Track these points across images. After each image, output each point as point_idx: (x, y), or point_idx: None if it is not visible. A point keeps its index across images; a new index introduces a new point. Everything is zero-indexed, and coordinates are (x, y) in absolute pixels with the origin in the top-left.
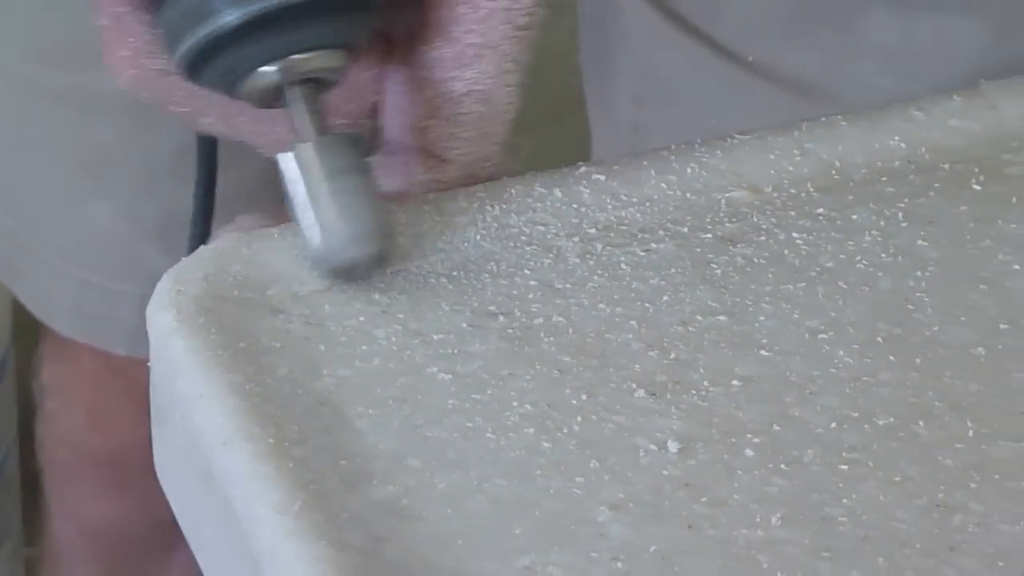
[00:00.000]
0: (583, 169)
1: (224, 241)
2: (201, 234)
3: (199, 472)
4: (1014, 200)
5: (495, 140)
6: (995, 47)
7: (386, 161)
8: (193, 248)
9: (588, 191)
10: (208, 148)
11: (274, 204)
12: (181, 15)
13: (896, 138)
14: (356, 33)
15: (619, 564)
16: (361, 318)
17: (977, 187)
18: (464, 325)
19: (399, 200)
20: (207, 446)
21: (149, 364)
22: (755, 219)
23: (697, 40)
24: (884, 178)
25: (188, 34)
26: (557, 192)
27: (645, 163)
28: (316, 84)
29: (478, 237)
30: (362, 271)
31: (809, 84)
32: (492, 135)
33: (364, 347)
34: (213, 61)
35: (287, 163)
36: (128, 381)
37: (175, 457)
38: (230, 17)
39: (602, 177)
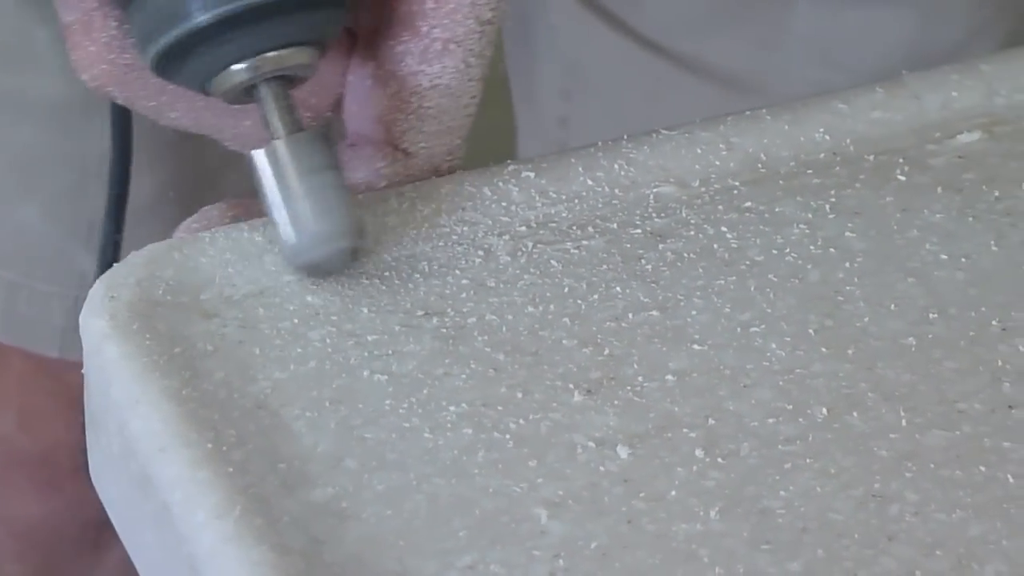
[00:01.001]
0: (512, 167)
1: (155, 247)
2: (113, 232)
3: (136, 478)
4: (939, 190)
5: (458, 134)
6: (921, 37)
7: (349, 154)
8: (107, 248)
9: (517, 189)
10: (122, 144)
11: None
12: (153, 13)
13: (821, 130)
14: (327, 30)
15: (560, 561)
16: (295, 320)
17: (902, 177)
18: (397, 326)
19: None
20: (144, 453)
21: (83, 371)
22: (683, 214)
23: (622, 33)
24: (810, 171)
25: (160, 33)
26: (486, 191)
27: (573, 160)
28: (286, 80)
29: (410, 238)
30: (335, 266)
31: (735, 76)
32: (456, 129)
33: (299, 349)
34: (184, 59)
35: (260, 160)
36: (59, 383)
37: (111, 464)
38: (202, 16)
39: (531, 174)
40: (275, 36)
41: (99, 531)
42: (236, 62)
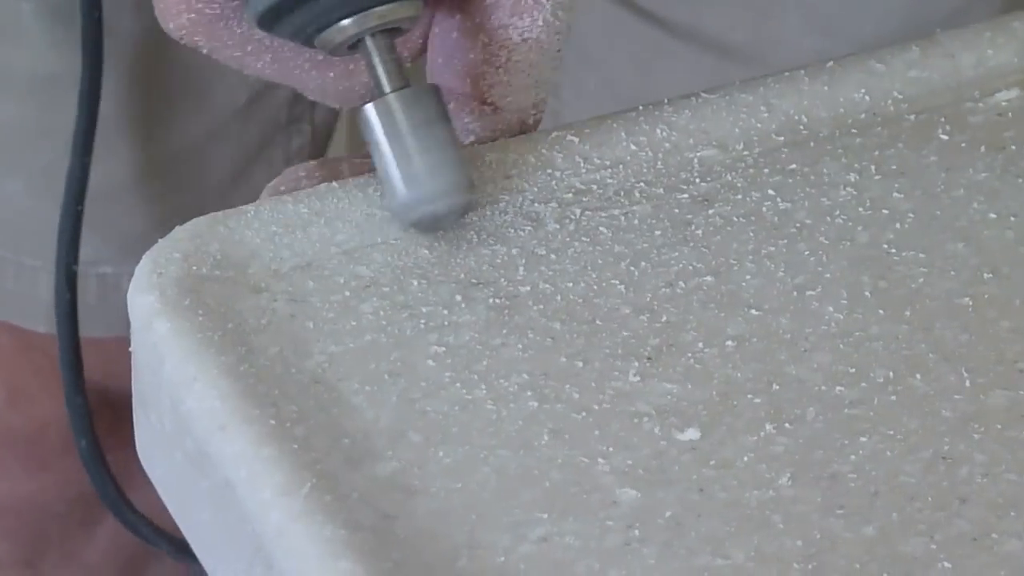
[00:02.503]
0: (555, 133)
1: (199, 221)
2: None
3: (192, 456)
4: (982, 149)
5: (545, 87)
6: (919, 3)
7: None
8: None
9: (561, 155)
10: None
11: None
12: None
13: (861, 91)
14: None
15: (635, 531)
16: (346, 293)
17: (943, 137)
18: (451, 296)
19: None
20: (202, 430)
21: (130, 349)
22: (728, 177)
23: (617, 2)
24: (851, 131)
25: None
26: (531, 158)
27: (615, 125)
28: (392, 33)
29: None
30: (446, 222)
31: (732, 45)
32: (543, 82)
33: (353, 322)
34: (293, 14)
35: (371, 114)
36: (47, 358)
37: (162, 442)
38: None
39: (575, 140)
40: None
41: (88, 508)
42: (345, 17)
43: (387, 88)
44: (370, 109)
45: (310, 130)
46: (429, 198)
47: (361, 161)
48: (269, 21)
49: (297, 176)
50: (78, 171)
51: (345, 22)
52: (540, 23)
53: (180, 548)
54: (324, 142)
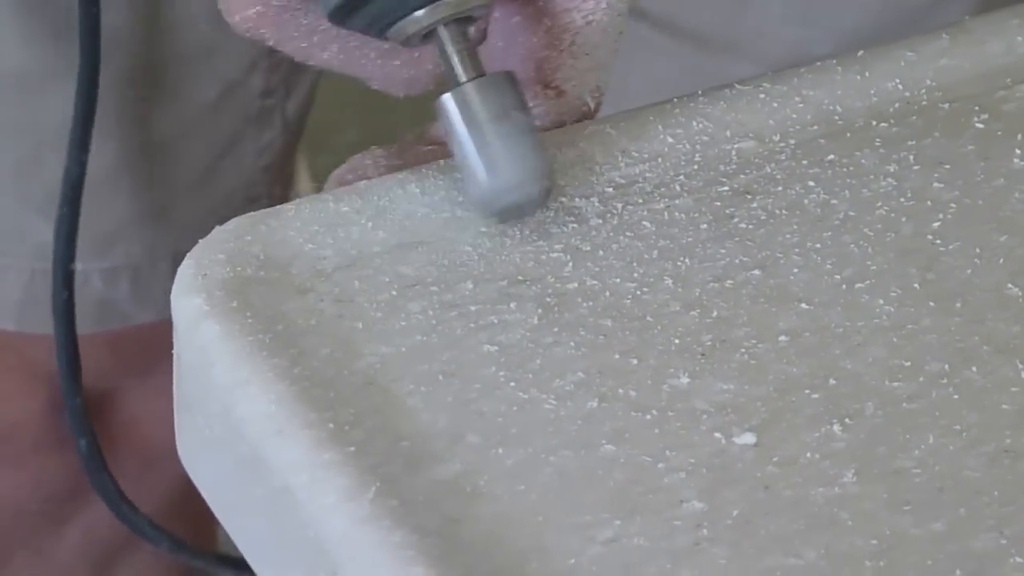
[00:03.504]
0: (591, 127)
1: (240, 220)
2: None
3: (244, 461)
4: (1019, 137)
5: (607, 69)
6: None
7: None
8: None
9: (599, 150)
10: (85, 115)
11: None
12: None
13: (895, 80)
14: None
15: (704, 531)
16: (392, 292)
17: (979, 125)
18: (498, 294)
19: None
20: (256, 435)
21: (174, 352)
22: (767, 169)
23: None
24: (886, 122)
25: None
26: (569, 153)
27: (651, 118)
28: (465, 22)
29: None
30: (527, 210)
31: (710, 36)
32: (605, 64)
33: (402, 322)
34: (367, 7)
35: (449, 105)
36: (17, 357)
37: (210, 447)
38: None
39: (612, 133)
40: None
41: (60, 506)
42: (419, 7)
43: (463, 77)
44: (448, 99)
45: (281, 124)
46: (512, 186)
47: (429, 149)
48: (342, 14)
49: (364, 164)
50: (76, 169)
51: (419, 13)
52: (604, 5)
53: (178, 545)
54: (295, 136)
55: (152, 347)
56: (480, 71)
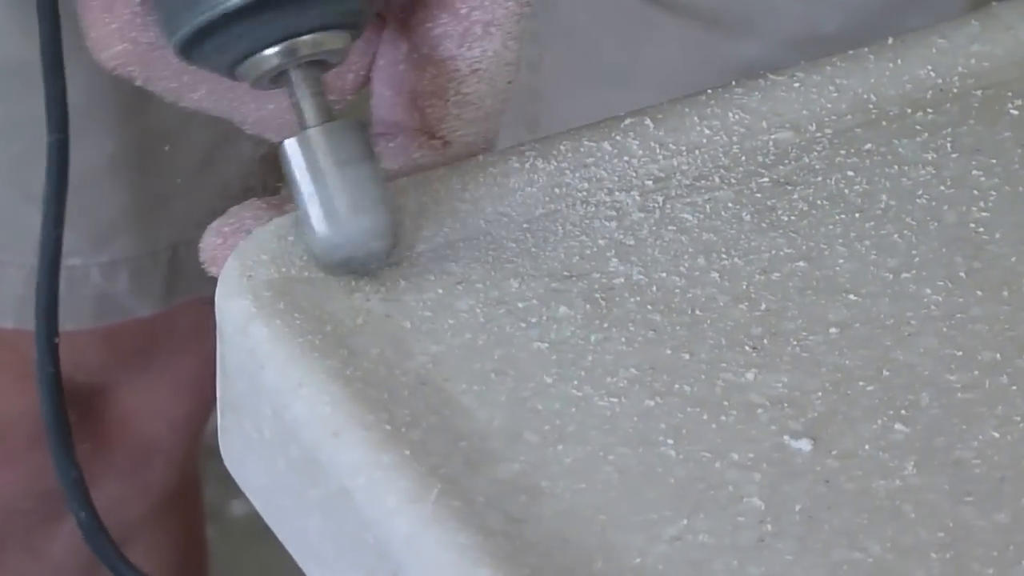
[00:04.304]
0: (628, 120)
1: (280, 221)
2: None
3: (297, 464)
4: None
5: (495, 120)
6: None
7: (380, 144)
8: (48, 233)
9: (637, 142)
10: (60, 118)
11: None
12: None
13: (927, 67)
14: (363, 12)
15: (768, 527)
16: (439, 290)
17: (1014, 112)
18: (545, 291)
19: (448, 165)
20: (311, 437)
21: (219, 355)
22: (806, 160)
23: None
24: (921, 110)
25: (188, 14)
26: (606, 145)
27: (686, 109)
28: (318, 66)
29: (536, 199)
30: (368, 264)
31: (720, 16)
32: (493, 115)
33: (451, 320)
34: (213, 43)
35: (292, 149)
36: (13, 353)
37: (260, 450)
38: None
39: (649, 126)
40: (310, 19)
41: (53, 503)
42: (268, 46)
43: (310, 122)
44: (291, 144)
45: None
46: (348, 240)
47: None
48: (189, 50)
49: (242, 216)
50: (50, 245)
51: (269, 52)
52: (490, 54)
53: None
54: None
55: (149, 341)
56: (329, 117)
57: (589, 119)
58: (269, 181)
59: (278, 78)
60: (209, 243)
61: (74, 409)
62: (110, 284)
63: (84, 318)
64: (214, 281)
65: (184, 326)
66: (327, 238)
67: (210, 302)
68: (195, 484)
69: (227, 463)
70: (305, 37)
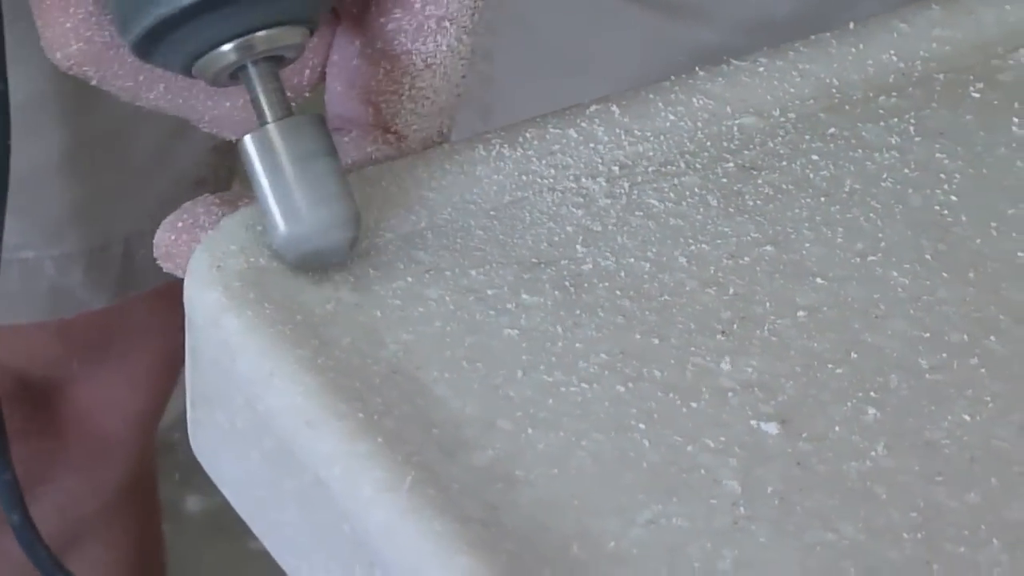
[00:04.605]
0: (593, 107)
1: (248, 211)
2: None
3: (271, 455)
4: (1016, 105)
5: (449, 113)
6: None
7: (333, 137)
8: None
9: (602, 129)
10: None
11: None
12: None
13: (890, 52)
14: (318, 7)
15: (741, 509)
16: (408, 279)
17: (976, 95)
18: (514, 278)
19: (409, 155)
20: (285, 428)
21: (188, 347)
22: (770, 144)
23: None
24: (884, 94)
25: (142, 12)
26: (572, 132)
27: (651, 96)
28: (275, 62)
29: (503, 186)
30: (330, 259)
31: (674, 1)
32: (447, 108)
33: (421, 309)
34: (169, 40)
35: (249, 146)
36: None
37: (231, 441)
38: None
39: (615, 112)
40: (266, 14)
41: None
42: (224, 43)
43: (268, 118)
44: (249, 140)
45: None
46: (310, 234)
47: None
48: (145, 48)
49: (195, 212)
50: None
51: (226, 47)
52: (444, 48)
53: None
54: None
55: (103, 335)
56: (288, 112)
57: (544, 107)
58: (221, 172)
59: (235, 74)
60: (162, 238)
61: (29, 404)
62: (64, 277)
63: (39, 312)
64: (168, 274)
65: (138, 320)
66: (288, 234)
67: (163, 296)
68: (151, 479)
69: (199, 456)
70: (261, 33)
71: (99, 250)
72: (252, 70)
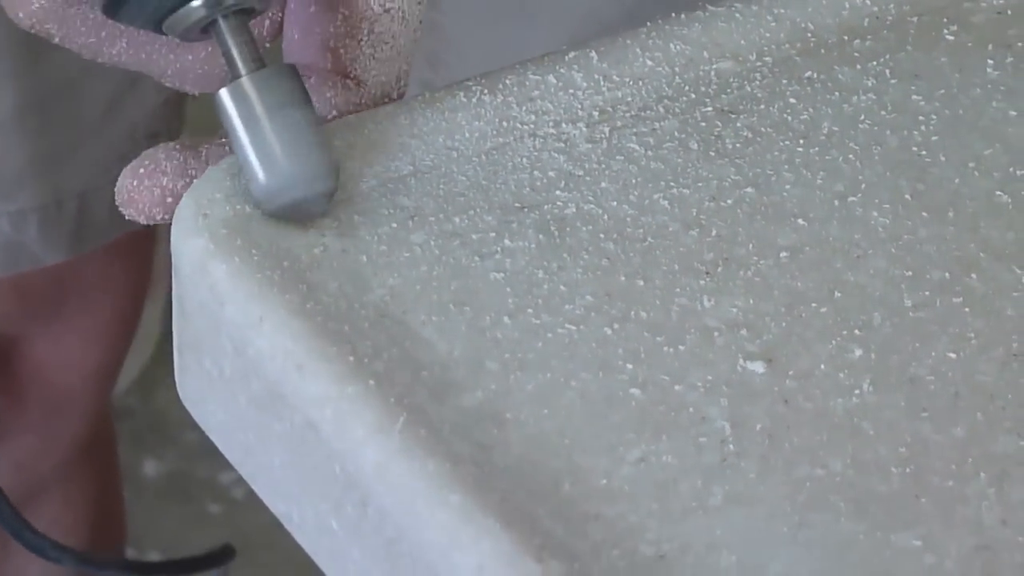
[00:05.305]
0: (572, 53)
1: (232, 159)
2: None
3: (259, 399)
4: (989, 47)
5: (407, 59)
6: None
7: None
8: None
9: (581, 75)
10: None
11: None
12: None
13: None
14: None
15: (730, 446)
16: (393, 224)
17: (950, 37)
18: (498, 222)
19: (394, 105)
20: (274, 371)
21: (174, 294)
22: (748, 88)
23: None
24: (859, 37)
25: None
26: (551, 79)
27: (629, 42)
28: (245, 14)
29: (484, 132)
30: (310, 210)
31: None
32: (405, 54)
33: (406, 254)
34: None
35: (225, 99)
36: None
37: (220, 388)
38: None
39: (593, 58)
40: None
41: None
42: None
43: (242, 71)
44: (224, 94)
45: None
46: (289, 185)
47: (226, 141)
48: (114, 7)
49: (156, 158)
50: None
51: (195, 3)
52: None
53: (83, 560)
54: None
55: (58, 290)
56: (260, 64)
57: (492, 54)
58: (173, 125)
59: (206, 29)
60: (124, 184)
61: None
62: (19, 233)
63: None
64: (121, 229)
65: (92, 276)
66: (267, 185)
67: (118, 252)
68: (109, 438)
69: (185, 402)
70: None
71: (53, 206)
72: (223, 24)
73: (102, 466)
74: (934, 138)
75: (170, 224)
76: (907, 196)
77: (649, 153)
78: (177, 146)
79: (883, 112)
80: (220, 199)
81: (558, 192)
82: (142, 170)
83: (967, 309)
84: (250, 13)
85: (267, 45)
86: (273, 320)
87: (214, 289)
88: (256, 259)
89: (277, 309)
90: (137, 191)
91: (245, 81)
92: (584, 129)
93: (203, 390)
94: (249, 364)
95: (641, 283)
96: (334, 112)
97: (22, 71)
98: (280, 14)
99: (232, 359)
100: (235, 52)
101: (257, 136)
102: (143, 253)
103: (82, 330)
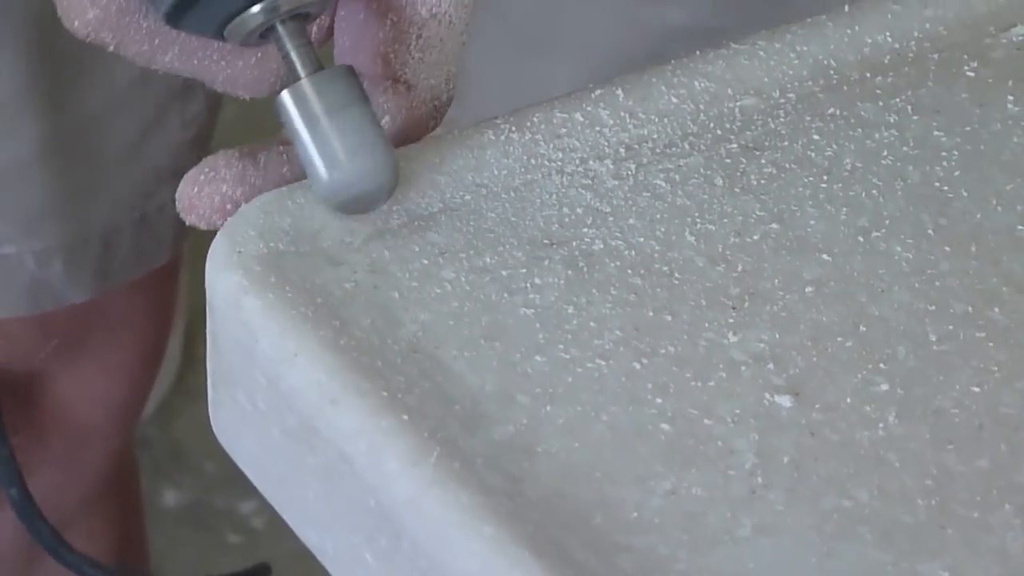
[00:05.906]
0: (597, 91)
1: (266, 197)
2: None
3: (294, 433)
4: (1009, 83)
5: (455, 62)
6: None
7: None
8: None
9: (607, 112)
10: None
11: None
12: None
13: (884, 32)
14: None
15: (758, 479)
16: (424, 261)
17: (970, 73)
18: (527, 258)
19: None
20: (309, 406)
21: (209, 330)
22: (771, 125)
23: None
24: (881, 74)
25: None
26: (578, 116)
27: (653, 79)
28: (302, 18)
29: (512, 169)
30: (371, 204)
31: None
32: (453, 57)
33: (437, 290)
34: (199, 6)
35: (286, 101)
36: None
37: (254, 421)
38: None
39: (619, 96)
40: None
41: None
42: (253, 4)
43: (301, 73)
44: (286, 96)
45: (204, 94)
46: (352, 181)
47: (283, 149)
48: (177, 15)
49: (216, 164)
50: None
51: (254, 9)
52: None
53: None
54: (218, 106)
55: (83, 327)
56: (318, 67)
57: (513, 89)
58: None
59: (265, 34)
60: (185, 191)
61: (9, 397)
62: (44, 271)
63: (19, 306)
64: (145, 266)
65: (117, 312)
66: (330, 180)
67: (142, 288)
68: (133, 471)
69: (218, 436)
70: None
71: (79, 244)
72: (281, 29)
73: (126, 500)
74: (956, 173)
75: (188, 257)
76: (929, 230)
77: (675, 189)
78: (236, 153)
79: (905, 148)
80: (254, 236)
81: (585, 228)
82: (202, 177)
83: (991, 344)
84: (307, 18)
85: (317, 49)
86: (307, 355)
87: (248, 325)
88: (290, 295)
89: (311, 344)
90: (197, 198)
91: (305, 83)
92: (611, 166)
93: (236, 423)
94: (283, 398)
95: (668, 318)
96: (387, 116)
97: (46, 109)
98: (328, 19)
99: (266, 393)
100: (294, 55)
101: (319, 135)
102: (167, 288)
103: (106, 366)
